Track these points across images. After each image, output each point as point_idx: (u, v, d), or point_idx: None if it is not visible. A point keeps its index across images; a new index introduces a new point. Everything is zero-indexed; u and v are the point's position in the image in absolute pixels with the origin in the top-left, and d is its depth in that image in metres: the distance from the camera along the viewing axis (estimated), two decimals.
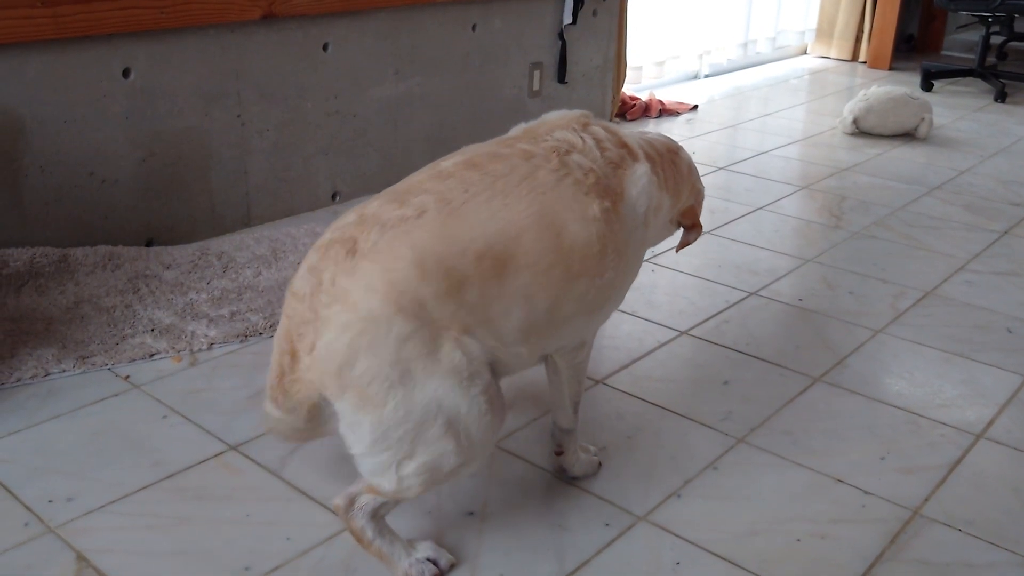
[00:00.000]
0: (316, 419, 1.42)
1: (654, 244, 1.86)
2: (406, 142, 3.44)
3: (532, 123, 1.66)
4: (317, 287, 1.37)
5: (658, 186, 1.66)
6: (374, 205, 1.45)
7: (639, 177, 1.61)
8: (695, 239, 1.86)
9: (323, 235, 1.46)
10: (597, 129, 1.62)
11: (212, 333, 2.27)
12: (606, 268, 1.53)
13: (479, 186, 1.44)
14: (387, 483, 1.41)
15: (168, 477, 1.75)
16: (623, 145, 1.63)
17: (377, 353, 1.33)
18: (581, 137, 1.58)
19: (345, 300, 1.35)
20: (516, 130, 1.65)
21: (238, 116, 2.90)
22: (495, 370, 1.47)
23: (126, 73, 2.61)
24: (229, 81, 2.85)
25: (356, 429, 1.38)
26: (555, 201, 1.47)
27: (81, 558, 1.54)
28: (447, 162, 1.51)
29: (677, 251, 1.91)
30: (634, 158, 1.63)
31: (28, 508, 1.66)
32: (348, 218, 1.45)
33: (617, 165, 1.59)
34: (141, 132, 2.68)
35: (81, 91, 2.53)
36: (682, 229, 1.86)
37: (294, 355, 1.39)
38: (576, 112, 1.66)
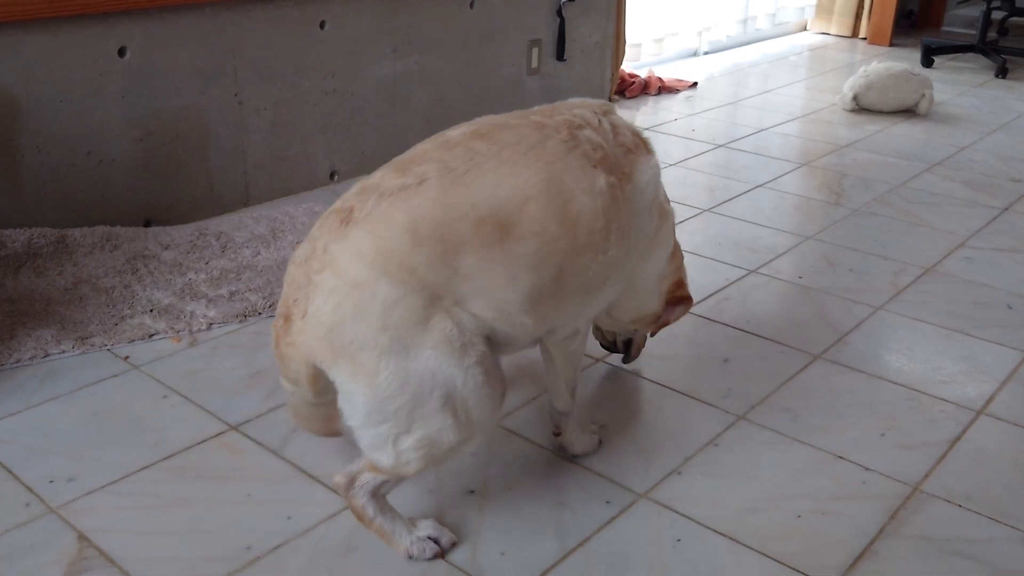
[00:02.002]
0: (324, 394, 1.42)
1: (647, 307, 1.81)
2: (404, 120, 3.42)
3: (556, 103, 1.68)
4: (312, 253, 1.38)
5: (666, 197, 1.68)
6: (377, 175, 1.46)
7: (651, 167, 1.64)
8: (682, 315, 1.86)
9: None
10: (617, 119, 1.65)
11: (211, 313, 2.26)
12: (610, 245, 1.53)
13: (485, 155, 1.44)
14: (385, 458, 1.41)
15: (168, 457, 1.75)
16: (640, 138, 1.66)
17: (363, 318, 1.32)
18: (599, 119, 1.60)
19: (334, 266, 1.35)
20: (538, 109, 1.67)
21: (235, 95, 2.88)
22: (494, 344, 1.46)
23: (122, 52, 2.60)
24: (226, 60, 2.83)
25: (351, 399, 1.37)
26: (563, 171, 1.47)
27: (82, 538, 1.54)
28: (455, 132, 1.51)
29: (652, 334, 1.91)
30: (649, 152, 1.65)
31: (29, 488, 1.66)
32: (352, 190, 1.46)
33: (629, 150, 1.61)
34: (138, 111, 2.67)
35: (77, 70, 2.52)
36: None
37: (288, 319, 1.39)
38: (600, 100, 1.68)
